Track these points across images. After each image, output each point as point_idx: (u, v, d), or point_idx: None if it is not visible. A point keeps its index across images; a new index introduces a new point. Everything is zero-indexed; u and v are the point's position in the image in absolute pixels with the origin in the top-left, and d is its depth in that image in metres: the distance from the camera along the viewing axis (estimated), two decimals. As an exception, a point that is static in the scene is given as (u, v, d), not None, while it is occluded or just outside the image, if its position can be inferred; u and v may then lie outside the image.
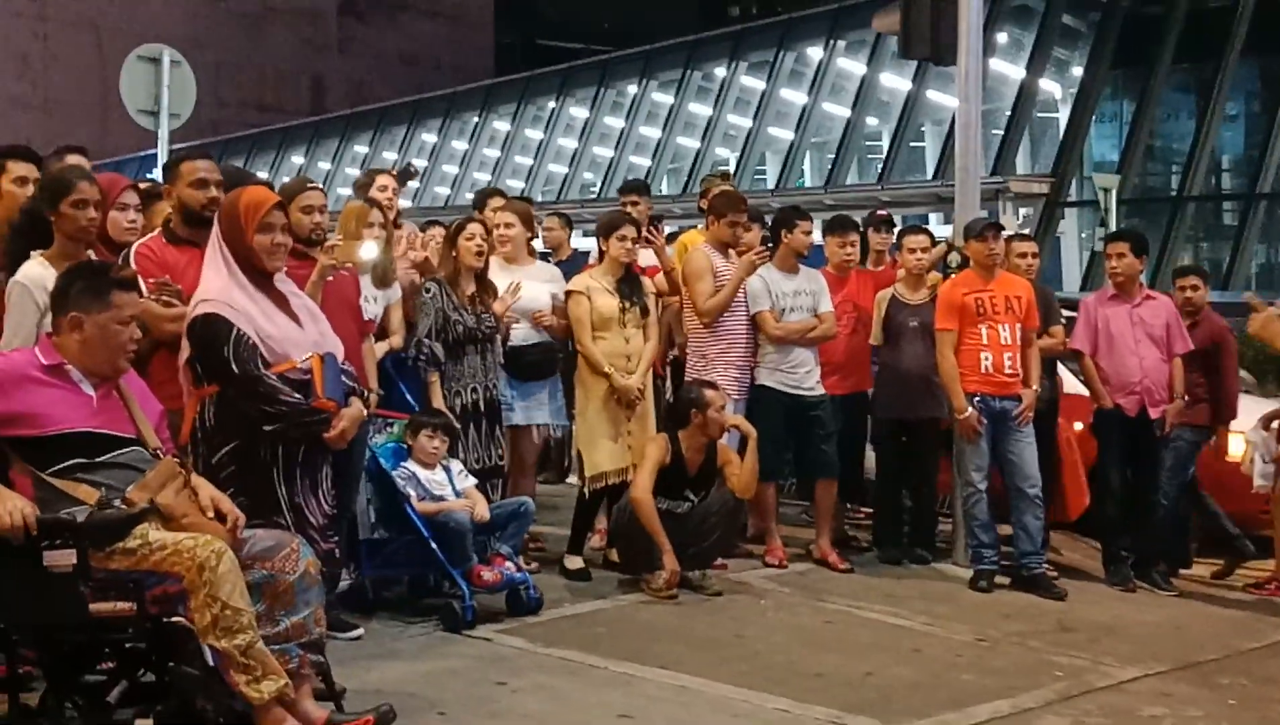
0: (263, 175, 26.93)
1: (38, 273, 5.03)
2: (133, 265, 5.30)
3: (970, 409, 7.69)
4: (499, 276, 7.41)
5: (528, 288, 7.43)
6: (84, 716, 4.17)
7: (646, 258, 8.44)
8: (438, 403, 6.98)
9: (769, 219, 8.57)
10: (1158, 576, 7.88)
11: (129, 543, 4.16)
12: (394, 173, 8.20)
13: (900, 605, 7.16)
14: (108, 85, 22.48)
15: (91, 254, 5.32)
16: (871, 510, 8.84)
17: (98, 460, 4.29)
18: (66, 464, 4.24)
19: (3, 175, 5.62)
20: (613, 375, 7.43)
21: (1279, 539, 8.00)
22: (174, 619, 4.14)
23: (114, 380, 4.46)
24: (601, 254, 7.76)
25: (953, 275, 8.23)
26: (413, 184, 27.09)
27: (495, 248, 7.55)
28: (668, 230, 9.05)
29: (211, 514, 4.39)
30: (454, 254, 7.21)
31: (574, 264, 8.97)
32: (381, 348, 6.89)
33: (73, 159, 7.13)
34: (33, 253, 5.19)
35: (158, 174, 8.19)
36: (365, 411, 5.20)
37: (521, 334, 7.55)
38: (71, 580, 4.03)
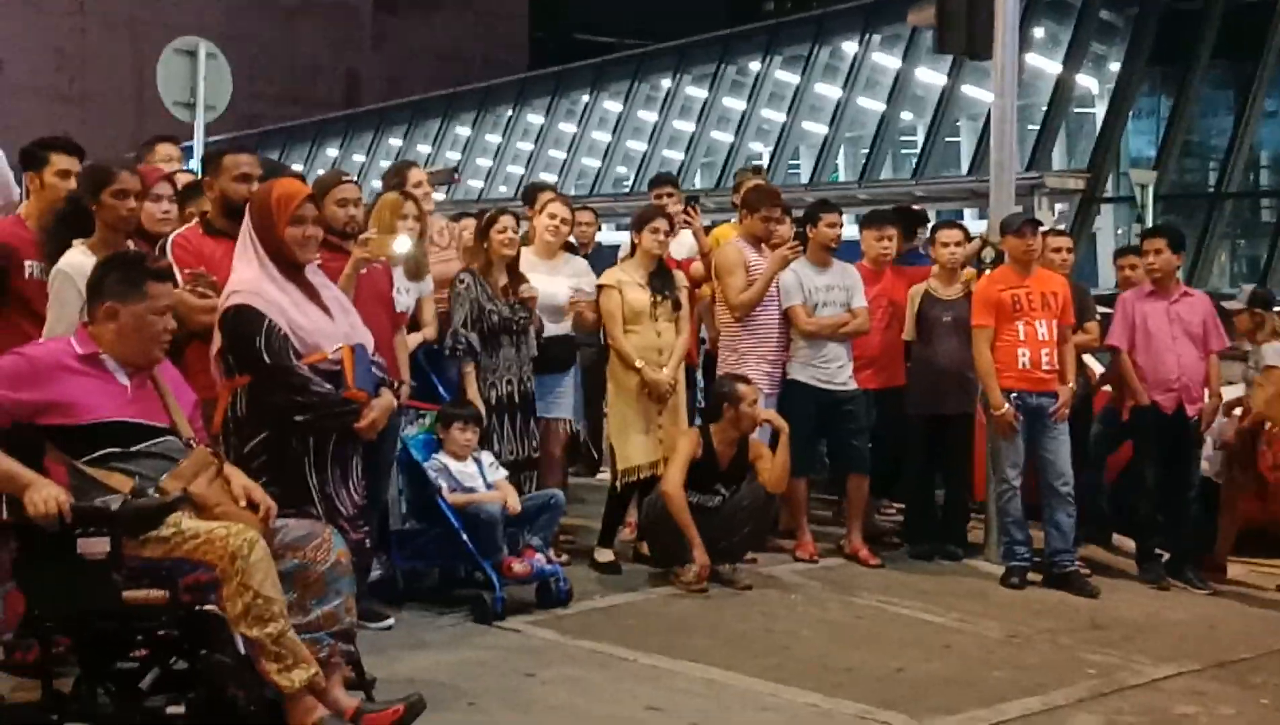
0: (297, 168, 27.02)
1: (80, 261, 5.08)
2: (169, 256, 5.34)
3: (1006, 405, 7.66)
4: (529, 271, 7.42)
5: (545, 284, 7.41)
6: (116, 703, 4.19)
7: (679, 251, 8.45)
8: (473, 394, 6.99)
9: (801, 214, 8.56)
10: (1191, 575, 7.83)
11: (162, 531, 4.18)
12: (430, 171, 8.19)
13: (931, 601, 7.14)
14: (143, 79, 22.62)
15: (130, 244, 5.37)
16: (903, 506, 8.82)
17: (132, 449, 4.31)
18: (101, 453, 4.27)
19: (46, 167, 5.67)
20: (644, 369, 7.43)
21: (1224, 528, 8.06)
22: (206, 607, 4.17)
23: (148, 370, 4.49)
24: (634, 247, 7.76)
25: (987, 271, 8.20)
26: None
27: (543, 237, 7.64)
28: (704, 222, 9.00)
29: (244, 503, 4.40)
30: (486, 246, 7.23)
31: (599, 258, 8.99)
32: (414, 339, 6.90)
33: (164, 149, 7.23)
34: (74, 242, 5.24)
35: (193, 165, 8.24)
36: (395, 402, 5.22)
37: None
38: (105, 568, 4.06)
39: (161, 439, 4.39)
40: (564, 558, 7.30)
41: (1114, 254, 9.40)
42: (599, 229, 9.96)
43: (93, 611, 4.14)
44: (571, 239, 8.40)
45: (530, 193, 8.66)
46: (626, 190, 27.89)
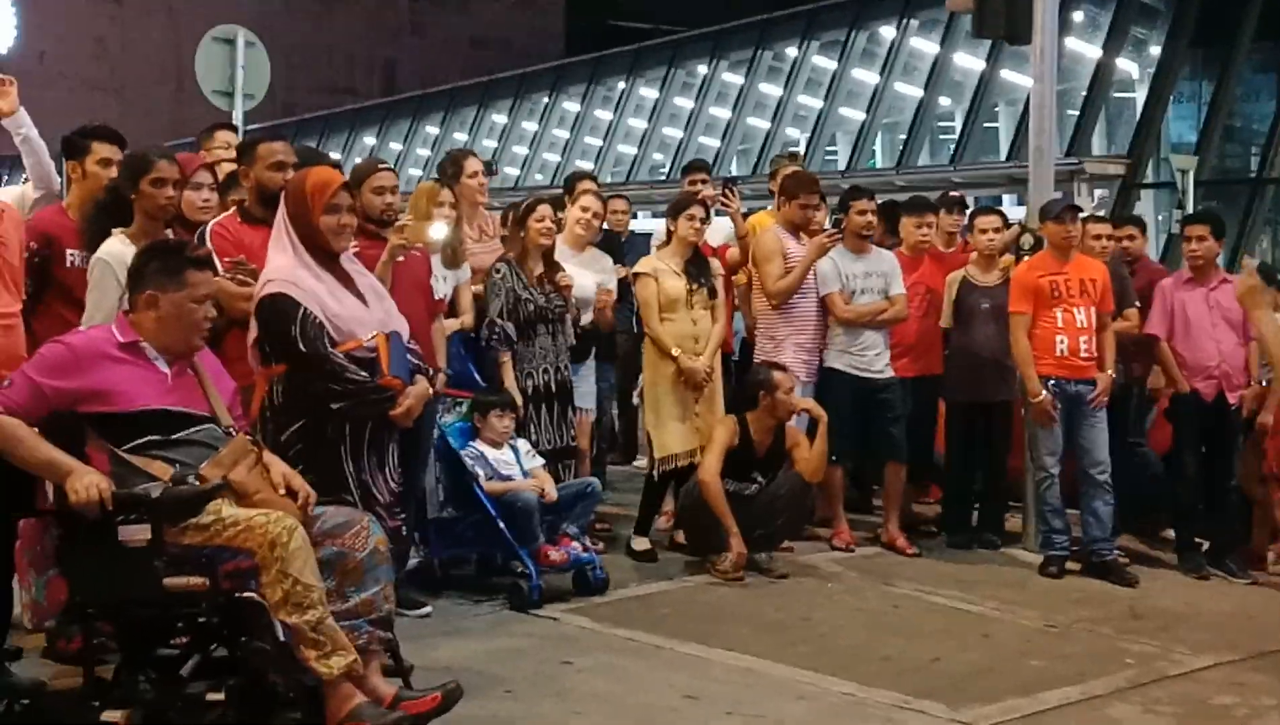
0: (335, 156, 27.05)
1: (119, 250, 5.12)
2: (208, 244, 5.36)
3: (1045, 393, 7.63)
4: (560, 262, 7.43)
5: (574, 276, 7.41)
6: (157, 690, 4.23)
7: (714, 237, 8.44)
8: (510, 384, 7.00)
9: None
10: (1232, 564, 7.77)
11: (202, 519, 4.20)
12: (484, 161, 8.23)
13: (969, 590, 7.12)
14: (182, 67, 22.71)
15: (170, 232, 5.41)
16: (940, 494, 8.80)
17: (172, 437, 4.34)
18: (142, 441, 4.30)
19: (88, 156, 5.71)
20: (680, 357, 7.43)
21: (1260, 517, 8.02)
22: (246, 594, 4.18)
23: (188, 358, 4.52)
24: (669, 234, 7.75)
25: (1025, 257, 8.16)
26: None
27: (573, 230, 7.71)
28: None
29: (283, 491, 4.43)
30: (522, 234, 7.23)
31: (633, 246, 9.00)
32: (451, 325, 6.91)
33: (222, 135, 7.29)
34: (114, 231, 5.28)
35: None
36: (431, 390, 5.24)
37: None
38: (146, 555, 4.10)
39: (201, 427, 4.42)
40: (600, 546, 7.33)
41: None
42: (634, 216, 9.95)
43: (134, 598, 4.17)
44: (604, 225, 8.43)
45: (571, 182, 8.67)
46: (662, 177, 27.85)
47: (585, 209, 7.82)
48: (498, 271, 7.14)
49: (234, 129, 7.32)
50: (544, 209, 7.28)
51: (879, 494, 8.55)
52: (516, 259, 7.19)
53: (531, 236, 7.20)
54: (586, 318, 7.66)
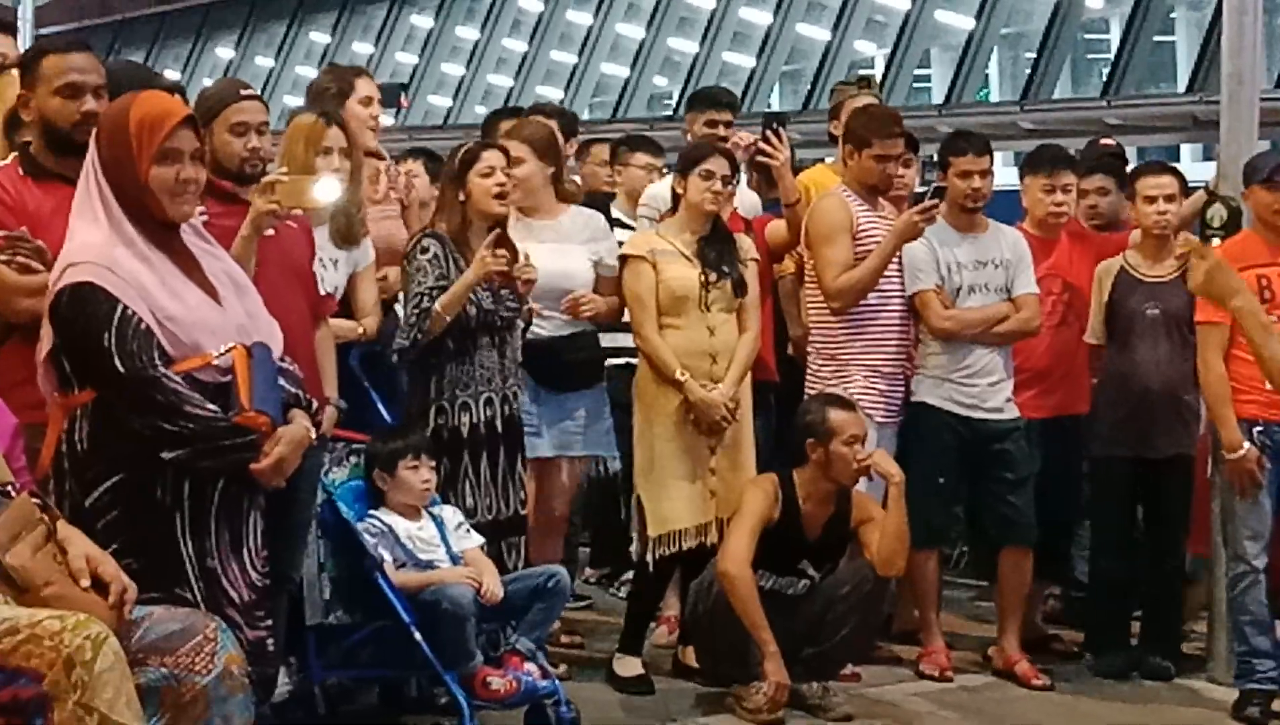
0: (172, 75, 27.06)
1: None
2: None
3: (1247, 445, 7.66)
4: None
5: (546, 258, 7.41)
6: None
7: (747, 205, 8.45)
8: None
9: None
10: None
11: (-39, 624, 4.19)
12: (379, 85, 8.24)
13: (1128, 743, 7.15)
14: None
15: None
16: (1082, 595, 8.80)
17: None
18: None
19: None
20: (688, 384, 7.45)
21: None
22: (27, 738, 4.16)
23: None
24: (676, 198, 7.77)
25: (1217, 240, 8.15)
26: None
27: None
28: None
29: (87, 582, 4.41)
30: (462, 197, 7.24)
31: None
32: (343, 331, 6.92)
33: None
34: None
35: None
36: (312, 432, 5.19)
37: (552, 322, 7.60)
38: None
39: (-42, 486, 4.41)
40: (561, 668, 7.31)
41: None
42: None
43: None
44: (576, 179, 8.44)
45: (488, 125, 8.70)
46: (667, 113, 27.87)
47: (519, 161, 7.69)
48: (425, 251, 7.14)
49: (12, 30, 7.28)
50: (491, 156, 7.26)
51: (990, 593, 8.55)
52: (452, 235, 7.20)
53: (475, 200, 7.20)
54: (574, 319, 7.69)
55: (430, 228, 7.32)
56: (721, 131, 8.74)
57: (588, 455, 7.81)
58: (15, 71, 6.05)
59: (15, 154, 5.72)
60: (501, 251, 7.01)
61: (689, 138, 8.83)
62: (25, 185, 5.51)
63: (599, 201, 8.75)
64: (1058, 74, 25.24)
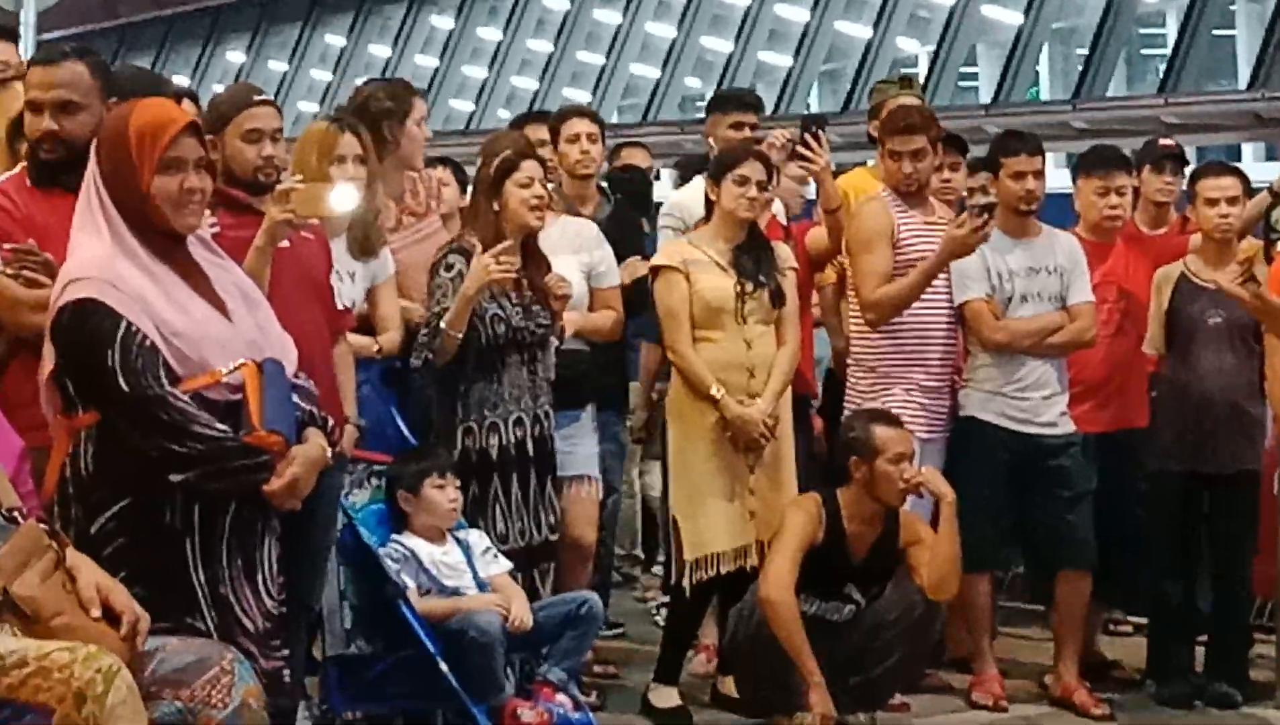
0: (181, 81, 27.07)
1: None
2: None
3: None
4: None
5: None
6: None
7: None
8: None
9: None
10: None
11: (-34, 658, 4.17)
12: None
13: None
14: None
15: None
16: (1145, 620, 8.73)
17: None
18: None
19: None
20: (724, 401, 7.43)
21: None
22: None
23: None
24: (710, 205, 7.75)
25: (1283, 243, 8.12)
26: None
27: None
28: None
29: (98, 612, 4.41)
30: (496, 207, 7.22)
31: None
32: (362, 347, 6.92)
33: None
34: None
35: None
36: (329, 452, 5.18)
37: None
38: None
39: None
40: (592, 696, 7.37)
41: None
42: (656, 176, 9.94)
43: None
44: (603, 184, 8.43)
45: (560, 119, 8.68)
46: (700, 116, 27.85)
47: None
48: (449, 267, 7.14)
49: (14, 36, 7.27)
50: (530, 166, 7.29)
51: (1046, 618, 8.49)
52: (483, 247, 7.14)
53: (512, 211, 7.19)
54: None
55: (459, 240, 7.31)
56: (747, 134, 8.70)
57: (586, 475, 7.81)
58: (19, 85, 6.11)
59: (23, 164, 5.78)
60: (507, 259, 6.98)
61: (710, 141, 8.81)
62: (33, 197, 5.59)
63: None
64: (1111, 71, 25.24)
